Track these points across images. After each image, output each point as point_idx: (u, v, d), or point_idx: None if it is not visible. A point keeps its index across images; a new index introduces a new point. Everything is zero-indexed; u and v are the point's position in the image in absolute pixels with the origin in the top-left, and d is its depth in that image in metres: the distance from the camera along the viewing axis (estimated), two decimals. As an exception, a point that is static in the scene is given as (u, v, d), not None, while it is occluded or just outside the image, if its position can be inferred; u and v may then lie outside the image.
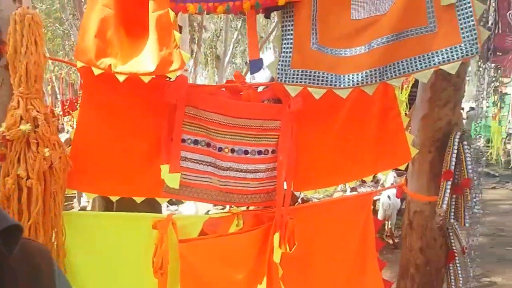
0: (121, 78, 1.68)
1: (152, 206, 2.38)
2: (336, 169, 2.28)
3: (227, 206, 2.68)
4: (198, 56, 14.91)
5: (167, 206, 6.35)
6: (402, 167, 2.45)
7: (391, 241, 5.94)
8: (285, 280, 2.22)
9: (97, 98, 1.87)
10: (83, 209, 7.05)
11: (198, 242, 2.09)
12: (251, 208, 2.45)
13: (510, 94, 9.37)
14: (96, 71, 1.68)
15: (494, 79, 2.04)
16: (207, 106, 1.97)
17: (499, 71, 2.11)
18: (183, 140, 1.99)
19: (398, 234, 6.15)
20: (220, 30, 15.69)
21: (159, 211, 3.21)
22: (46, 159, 1.68)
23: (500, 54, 2.16)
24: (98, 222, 2.00)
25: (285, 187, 2.17)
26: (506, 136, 12.60)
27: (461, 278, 2.50)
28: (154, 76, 1.74)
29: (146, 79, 1.71)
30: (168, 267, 1.95)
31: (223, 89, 2.11)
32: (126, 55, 1.70)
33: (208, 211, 5.55)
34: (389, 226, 6.16)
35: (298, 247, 2.13)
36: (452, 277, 2.54)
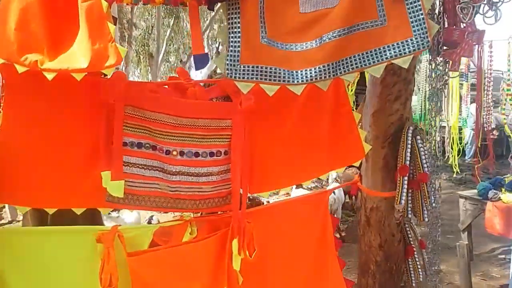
0: (50, 76, 1.49)
1: (92, 217, 2.18)
2: (291, 169, 2.19)
3: (176, 213, 2.52)
4: (129, 54, 14.41)
5: (108, 214, 5.95)
6: (356, 164, 2.41)
7: (338, 235, 5.99)
8: (244, 287, 2.10)
9: (23, 99, 1.66)
10: (12, 222, 6.46)
11: (149, 254, 1.92)
12: (204, 214, 2.31)
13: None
14: (20, 69, 1.48)
15: (443, 73, 2.01)
16: (150, 105, 1.81)
17: (447, 64, 2.09)
18: (125, 144, 1.82)
19: (344, 228, 6.28)
20: (152, 27, 15.27)
21: (101, 222, 3.00)
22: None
23: (447, 48, 2.16)
24: (33, 239, 1.78)
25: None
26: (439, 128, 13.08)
27: (420, 272, 2.50)
28: (87, 73, 1.56)
29: (78, 76, 1.53)
30: (118, 284, 1.77)
31: (166, 86, 1.96)
32: (54, 50, 1.51)
33: (152, 216, 5.27)
34: (338, 219, 6.20)
35: (257, 252, 2.02)
36: (412, 272, 2.52)
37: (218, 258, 2.04)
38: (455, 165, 7.17)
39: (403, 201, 2.15)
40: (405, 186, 2.16)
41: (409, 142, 2.21)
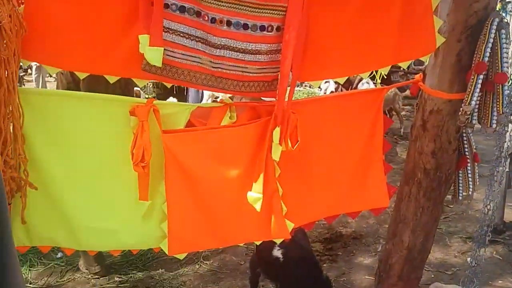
0: None
1: (125, 92, 2.00)
2: (350, 56, 1.90)
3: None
4: None
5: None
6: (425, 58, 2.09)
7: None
8: (282, 180, 1.96)
9: None
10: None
11: (185, 134, 1.78)
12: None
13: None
14: None
15: None
16: None
17: None
18: (166, 5, 1.57)
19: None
20: None
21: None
22: (-11, 16, 1.27)
23: None
24: (64, 103, 1.62)
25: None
26: None
27: (471, 185, 2.30)
28: None
29: None
30: (150, 161, 1.64)
31: None
32: None
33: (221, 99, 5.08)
34: (392, 121, 6.00)
35: (299, 145, 1.84)
36: (461, 184, 2.33)
37: (257, 147, 1.88)
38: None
39: (473, 102, 1.87)
40: (479, 86, 1.86)
41: (492, 36, 1.86)
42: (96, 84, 1.69)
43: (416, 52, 2.03)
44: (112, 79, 1.64)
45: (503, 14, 9.03)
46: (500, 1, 8.77)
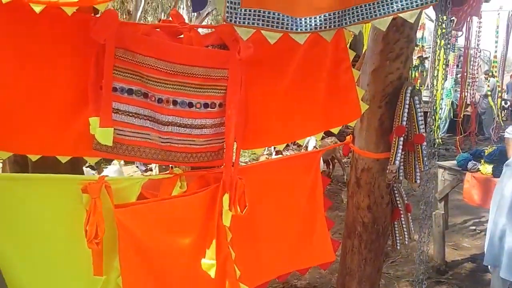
0: (38, 8, 1.33)
1: (75, 169, 2.04)
2: (286, 125, 2.10)
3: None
4: None
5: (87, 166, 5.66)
6: (352, 124, 2.33)
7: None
8: (233, 244, 2.03)
9: (6, 35, 1.48)
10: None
11: (137, 206, 1.81)
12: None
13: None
14: (4, -1, 1.31)
15: (448, 31, 1.92)
16: (143, 48, 1.67)
17: (452, 23, 2.01)
18: (115, 89, 1.68)
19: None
20: None
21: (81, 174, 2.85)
22: None
23: (455, 5, 2.07)
24: (13, 186, 1.63)
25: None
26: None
27: (406, 234, 2.49)
28: (77, 9, 1.40)
29: (69, 11, 1.37)
30: (103, 236, 1.67)
31: (158, 29, 1.80)
32: (41, -22, 1.34)
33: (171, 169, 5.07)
34: (329, 179, 6.21)
35: (247, 209, 1.95)
36: (397, 234, 2.52)
37: (207, 214, 1.96)
38: (437, 136, 7.21)
39: (397, 162, 2.10)
40: (400, 147, 2.11)
41: (407, 102, 2.14)
42: (45, 162, 1.73)
43: (344, 118, 2.26)
44: (64, 159, 1.70)
45: (421, 68, 10.08)
46: (417, 58, 9.80)
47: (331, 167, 7.53)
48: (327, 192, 6.43)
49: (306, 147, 6.64)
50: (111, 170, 5.35)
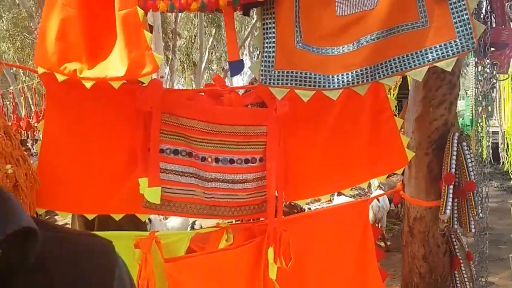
0: (88, 84, 1.51)
1: (136, 222, 2.17)
2: (328, 176, 2.10)
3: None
4: (174, 63, 14.59)
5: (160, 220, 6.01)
6: (399, 171, 2.28)
7: (383, 244, 5.77)
8: (281, 297, 2.03)
9: (63, 107, 1.69)
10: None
11: (185, 260, 1.90)
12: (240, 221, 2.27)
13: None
14: (60, 78, 1.51)
15: (491, 76, 1.86)
16: (186, 112, 1.80)
17: (495, 67, 1.94)
18: (162, 150, 1.82)
19: (389, 236, 6.01)
20: (195, 36, 15.62)
21: (144, 227, 3.00)
22: (9, 177, 1.50)
23: (495, 49, 2.01)
24: None
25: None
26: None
27: (468, 285, 2.31)
28: (125, 81, 1.57)
29: (116, 84, 1.55)
30: (155, 289, 1.75)
31: (202, 93, 1.94)
32: (92, 58, 1.53)
33: (195, 221, 5.25)
34: (380, 229, 5.97)
35: (294, 261, 1.94)
36: (458, 284, 2.34)
37: (254, 266, 1.99)
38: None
39: (448, 211, 2.00)
40: (451, 195, 2.01)
41: (455, 149, 2.06)
42: (108, 221, 1.88)
43: (390, 167, 2.22)
44: (117, 217, 1.84)
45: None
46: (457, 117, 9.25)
47: (399, 205, 7.22)
48: (397, 231, 6.17)
49: (370, 185, 6.47)
50: (176, 220, 5.60)
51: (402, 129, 2.20)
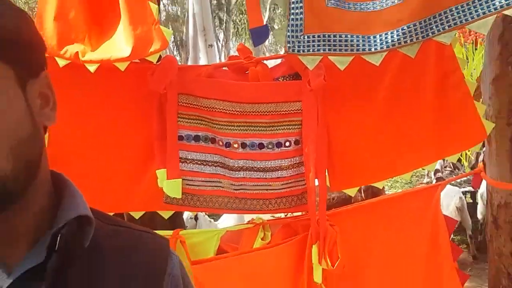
0: (92, 68, 1.69)
1: (172, 219, 2.35)
2: (384, 158, 2.14)
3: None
4: (229, 26, 14.19)
5: (209, 222, 6.29)
6: (476, 148, 2.29)
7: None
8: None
9: (66, 95, 1.89)
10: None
11: (215, 262, 2.03)
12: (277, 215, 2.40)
13: None
14: (61, 62, 1.70)
15: None
16: (206, 92, 1.93)
17: None
18: (180, 137, 1.98)
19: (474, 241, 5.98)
20: None
21: (182, 225, 3.22)
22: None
23: None
24: None
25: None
26: None
27: None
28: (132, 62, 1.74)
29: (122, 66, 1.72)
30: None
31: (225, 68, 2.07)
32: (95, 38, 1.71)
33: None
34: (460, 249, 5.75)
35: (348, 262, 2.03)
36: (560, 289, 2.34)
37: (296, 268, 2.08)
38: None
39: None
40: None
41: (545, 116, 2.05)
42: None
43: (463, 143, 2.22)
44: (137, 214, 2.05)
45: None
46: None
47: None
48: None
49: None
50: (229, 216, 5.81)
51: (475, 95, 2.20)
